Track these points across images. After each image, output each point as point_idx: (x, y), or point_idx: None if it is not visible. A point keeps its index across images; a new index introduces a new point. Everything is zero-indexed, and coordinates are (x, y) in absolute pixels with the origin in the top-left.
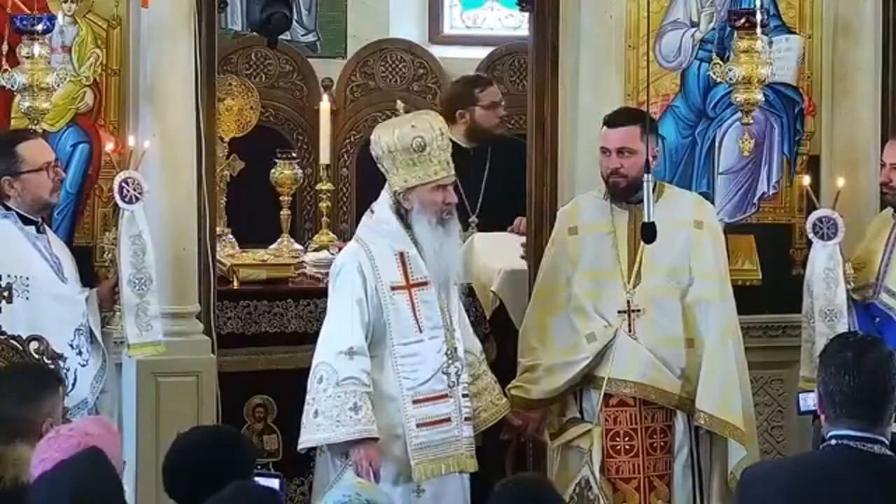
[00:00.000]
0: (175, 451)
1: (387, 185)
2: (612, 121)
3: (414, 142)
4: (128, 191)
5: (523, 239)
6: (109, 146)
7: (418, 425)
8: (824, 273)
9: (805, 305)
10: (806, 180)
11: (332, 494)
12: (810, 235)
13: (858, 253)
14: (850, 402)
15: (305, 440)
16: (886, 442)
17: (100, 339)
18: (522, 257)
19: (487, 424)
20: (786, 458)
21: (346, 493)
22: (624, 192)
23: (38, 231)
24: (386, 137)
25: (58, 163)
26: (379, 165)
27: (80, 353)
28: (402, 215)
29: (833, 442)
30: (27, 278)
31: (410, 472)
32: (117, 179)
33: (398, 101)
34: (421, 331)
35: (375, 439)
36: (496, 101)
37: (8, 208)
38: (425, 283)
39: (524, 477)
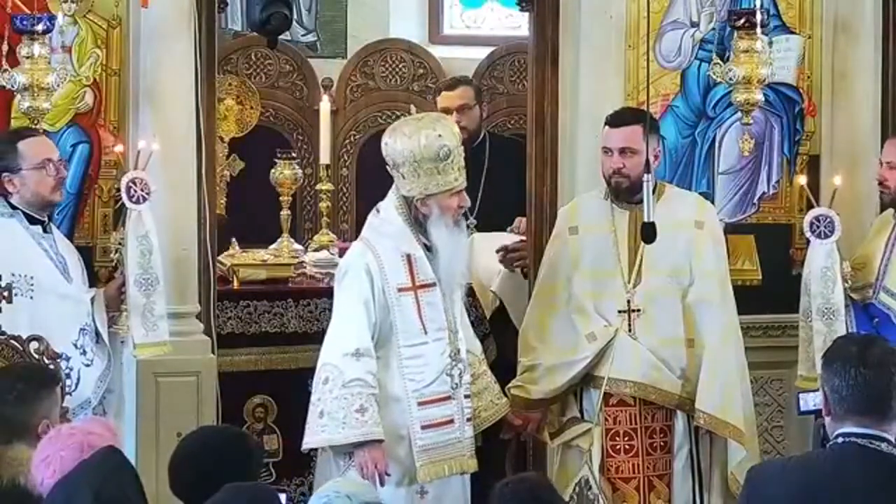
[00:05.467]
0: (182, 451)
1: (394, 188)
2: (615, 120)
3: (441, 150)
4: (135, 191)
5: (516, 237)
6: (119, 147)
7: (423, 427)
8: (822, 271)
9: (802, 304)
10: (802, 179)
11: (314, 499)
12: (807, 234)
13: (859, 253)
14: (857, 397)
15: (310, 441)
16: (893, 441)
17: (105, 339)
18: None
19: (487, 424)
20: (793, 456)
21: (326, 493)
22: (626, 192)
23: (45, 231)
24: (410, 145)
25: (61, 161)
26: (393, 171)
27: (83, 353)
28: (417, 219)
29: (840, 440)
30: (31, 277)
31: (414, 473)
32: (125, 179)
33: (412, 107)
34: (426, 332)
35: (380, 441)
36: (446, 107)
37: (14, 207)
38: (430, 285)
39: (524, 477)
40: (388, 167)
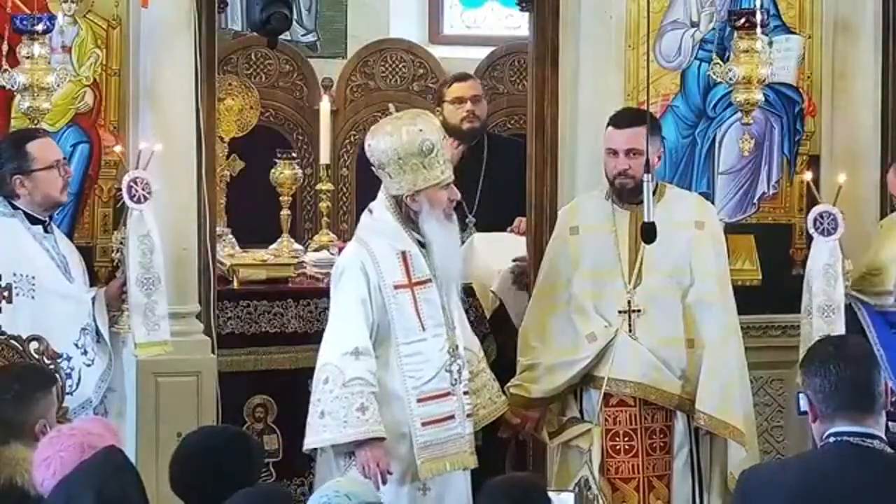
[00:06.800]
0: (182, 450)
1: (383, 189)
2: (620, 122)
3: (424, 144)
4: (136, 191)
5: (523, 240)
6: (119, 147)
7: (423, 424)
8: (824, 269)
9: (804, 301)
10: (807, 176)
11: (313, 498)
12: (811, 230)
13: (871, 258)
14: (843, 392)
15: (311, 441)
16: (884, 437)
17: (107, 338)
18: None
19: (486, 422)
20: (786, 458)
21: (325, 493)
22: (631, 192)
23: (46, 230)
24: (392, 143)
25: (66, 161)
26: (379, 171)
27: (84, 353)
28: (409, 216)
29: (832, 440)
30: (33, 277)
31: (416, 470)
32: (126, 179)
33: (390, 105)
34: (424, 329)
35: (382, 439)
36: (461, 96)
37: (15, 207)
38: (426, 282)
39: (513, 476)
40: (373, 168)
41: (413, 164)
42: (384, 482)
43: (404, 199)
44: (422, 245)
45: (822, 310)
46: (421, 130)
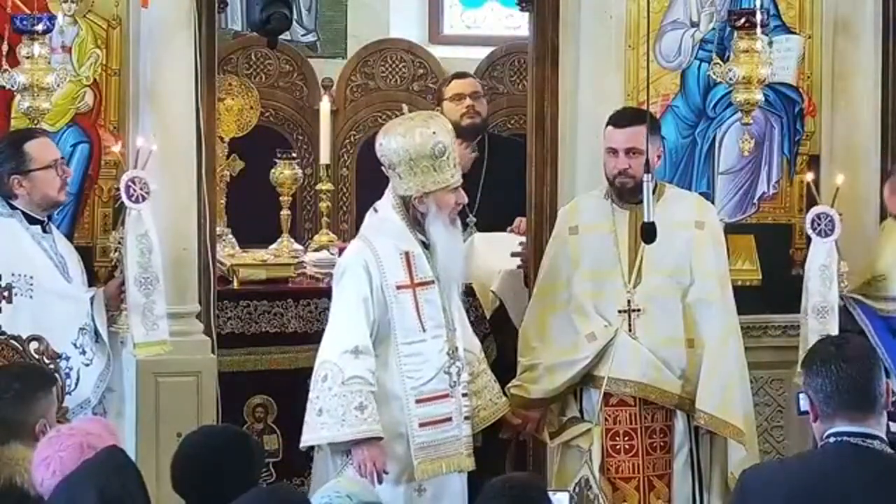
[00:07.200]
0: (183, 450)
1: (391, 188)
2: (620, 121)
3: (436, 147)
4: (134, 190)
5: (523, 239)
6: (117, 147)
7: (420, 425)
8: (820, 269)
9: (803, 302)
10: (809, 176)
11: (314, 499)
12: (809, 231)
13: (874, 264)
14: (842, 393)
15: (308, 438)
16: (884, 438)
17: (105, 338)
18: (515, 257)
19: (487, 423)
20: (786, 458)
21: (326, 493)
22: (631, 192)
23: (44, 230)
24: (405, 143)
25: (64, 161)
26: (388, 171)
27: (83, 353)
28: (415, 217)
29: (832, 440)
30: (31, 277)
31: (413, 471)
32: (124, 178)
33: (404, 106)
34: (424, 330)
35: (379, 439)
36: (460, 92)
37: (14, 207)
38: (429, 283)
39: (512, 477)
40: (383, 168)
41: (424, 167)
42: (380, 481)
43: (412, 200)
44: (425, 246)
45: (817, 311)
46: (434, 133)
